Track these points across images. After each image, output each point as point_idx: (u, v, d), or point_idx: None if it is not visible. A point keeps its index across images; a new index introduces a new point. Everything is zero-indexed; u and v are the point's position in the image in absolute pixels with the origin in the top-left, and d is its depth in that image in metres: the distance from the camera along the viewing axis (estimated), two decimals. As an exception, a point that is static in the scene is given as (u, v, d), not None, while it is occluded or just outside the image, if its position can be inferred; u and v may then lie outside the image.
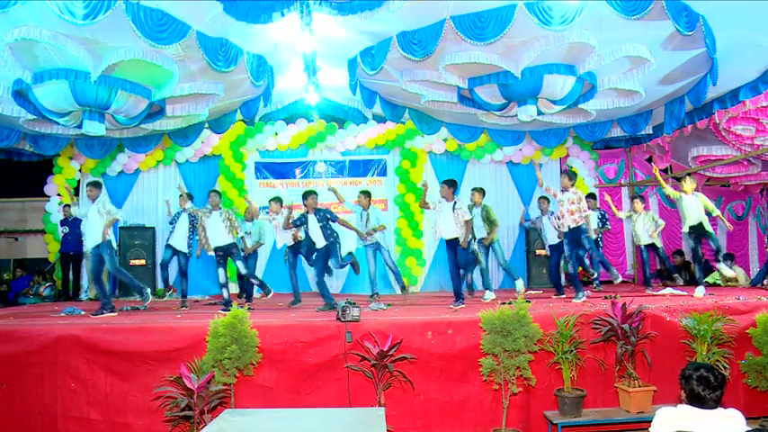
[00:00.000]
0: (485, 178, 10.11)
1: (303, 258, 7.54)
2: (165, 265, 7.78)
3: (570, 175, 6.96)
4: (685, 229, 7.08)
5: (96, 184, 6.75)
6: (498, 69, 6.14)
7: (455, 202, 6.49)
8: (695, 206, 6.96)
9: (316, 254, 6.71)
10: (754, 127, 7.71)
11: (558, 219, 6.97)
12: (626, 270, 10.34)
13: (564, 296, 7.32)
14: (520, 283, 7.63)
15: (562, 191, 6.88)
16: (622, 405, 4.91)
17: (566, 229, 6.80)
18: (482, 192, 7.71)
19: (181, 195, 7.55)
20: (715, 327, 4.92)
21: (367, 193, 7.96)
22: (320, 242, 6.60)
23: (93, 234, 6.46)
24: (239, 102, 7.86)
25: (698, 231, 6.99)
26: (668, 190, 7.26)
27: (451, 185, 6.63)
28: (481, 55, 5.85)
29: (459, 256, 6.61)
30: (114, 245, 6.65)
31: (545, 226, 8.12)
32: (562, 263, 8.01)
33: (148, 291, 6.45)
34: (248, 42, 6.13)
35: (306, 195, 6.71)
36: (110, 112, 6.49)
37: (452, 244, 6.55)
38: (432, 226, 6.83)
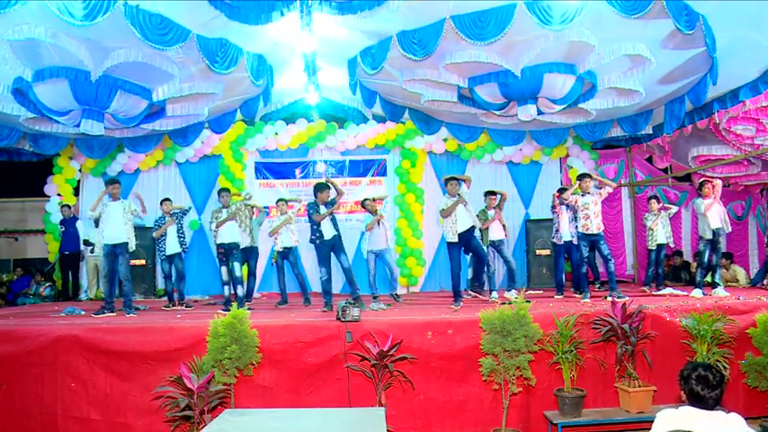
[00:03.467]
0: (485, 178, 10.11)
1: (290, 264, 7.57)
2: (170, 276, 7.65)
3: (587, 175, 6.97)
4: (707, 234, 7.02)
5: (117, 181, 6.72)
6: (498, 68, 6.14)
7: (458, 194, 6.58)
8: (718, 211, 7.00)
9: (322, 249, 6.54)
10: (754, 127, 7.71)
11: (584, 220, 6.82)
12: (626, 270, 10.34)
13: (563, 296, 7.31)
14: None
15: (583, 194, 6.86)
16: (622, 405, 4.91)
17: (590, 232, 6.76)
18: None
19: (164, 200, 7.66)
20: (715, 327, 4.92)
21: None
22: (330, 233, 6.52)
23: (114, 232, 6.47)
24: (239, 101, 7.85)
25: (717, 237, 6.99)
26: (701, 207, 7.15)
27: (453, 179, 6.72)
28: (481, 54, 5.85)
29: (479, 250, 6.73)
30: (132, 246, 6.69)
31: (563, 218, 7.77)
32: (563, 263, 7.97)
33: (134, 313, 6.44)
34: (248, 42, 6.13)
35: (321, 188, 6.66)
36: (109, 112, 6.49)
37: (466, 237, 6.52)
38: (448, 225, 6.58)
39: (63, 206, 9.19)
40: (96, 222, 6.74)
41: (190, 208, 8.35)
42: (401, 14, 5.38)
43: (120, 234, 6.49)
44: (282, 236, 7.54)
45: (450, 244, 6.59)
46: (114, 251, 6.50)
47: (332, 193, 6.72)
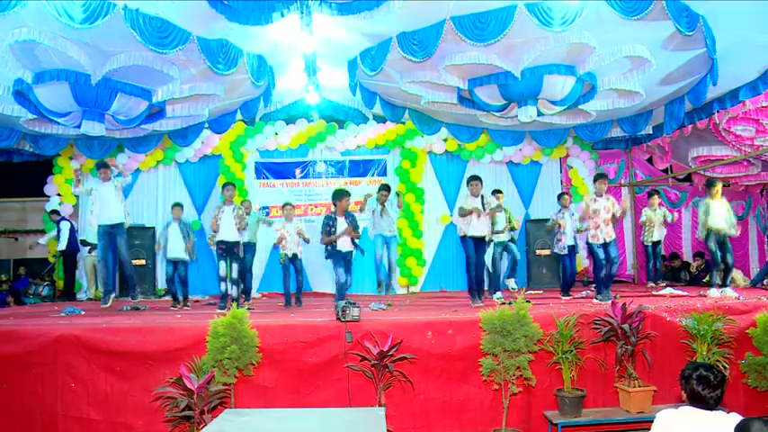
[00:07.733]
0: (485, 178, 9.93)
1: (295, 270, 7.55)
2: (172, 279, 7.45)
3: (603, 176, 6.66)
4: (702, 234, 6.97)
5: (108, 165, 6.64)
6: (498, 70, 6.14)
7: (482, 196, 6.35)
8: (721, 212, 6.90)
9: (336, 257, 6.23)
10: (754, 127, 7.72)
11: (593, 229, 6.52)
12: (626, 270, 10.34)
13: (569, 298, 7.26)
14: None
15: (594, 199, 6.54)
16: (622, 405, 4.91)
17: (600, 242, 6.45)
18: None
19: (176, 205, 7.58)
20: (715, 327, 4.92)
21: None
22: (347, 246, 6.24)
23: (110, 212, 6.39)
24: (239, 102, 7.86)
25: (721, 236, 6.90)
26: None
27: (477, 179, 6.53)
28: (481, 56, 5.85)
29: (486, 253, 6.64)
30: (128, 222, 6.69)
31: (566, 223, 7.54)
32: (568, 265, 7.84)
33: (138, 294, 6.39)
34: (248, 43, 6.14)
35: (340, 195, 6.26)
36: (110, 113, 6.50)
37: (481, 241, 6.39)
38: (464, 222, 6.36)
39: (51, 212, 9.21)
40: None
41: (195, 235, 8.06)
42: (401, 16, 5.38)
43: (117, 214, 6.35)
44: (290, 243, 7.43)
45: (462, 238, 6.40)
46: (111, 231, 6.37)
47: (357, 213, 6.71)
